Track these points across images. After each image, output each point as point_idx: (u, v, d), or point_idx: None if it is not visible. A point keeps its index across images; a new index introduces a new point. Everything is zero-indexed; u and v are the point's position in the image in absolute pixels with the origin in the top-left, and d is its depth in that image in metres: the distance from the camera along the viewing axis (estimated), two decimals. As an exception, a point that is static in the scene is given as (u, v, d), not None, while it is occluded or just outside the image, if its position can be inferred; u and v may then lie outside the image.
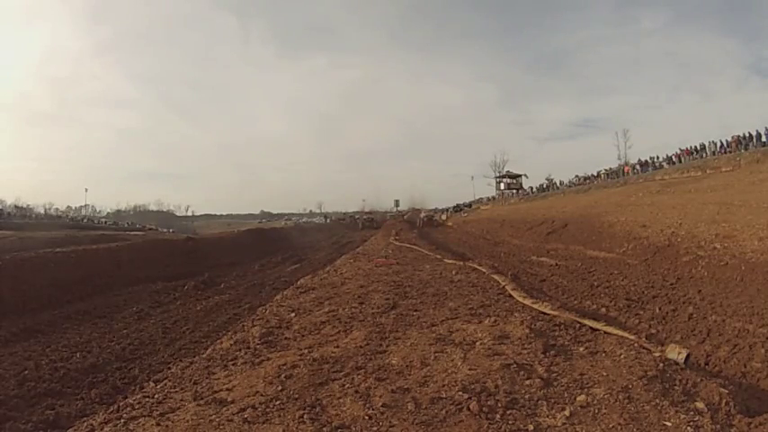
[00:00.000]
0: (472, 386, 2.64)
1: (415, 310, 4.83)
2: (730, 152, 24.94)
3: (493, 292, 6.07)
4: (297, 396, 2.69)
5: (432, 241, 21.72)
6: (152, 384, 3.47)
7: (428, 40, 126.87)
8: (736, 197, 12.07)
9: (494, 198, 53.46)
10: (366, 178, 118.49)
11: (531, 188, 48.81)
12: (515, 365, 2.93)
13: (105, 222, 56.73)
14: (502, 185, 53.66)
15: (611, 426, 2.22)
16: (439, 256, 12.04)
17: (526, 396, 2.53)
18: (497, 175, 54.87)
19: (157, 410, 2.67)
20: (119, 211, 76.10)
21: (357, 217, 61.33)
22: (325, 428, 2.28)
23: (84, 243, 16.72)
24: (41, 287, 9.04)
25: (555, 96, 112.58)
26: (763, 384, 4.08)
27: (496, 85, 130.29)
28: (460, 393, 2.56)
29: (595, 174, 39.13)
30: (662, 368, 2.85)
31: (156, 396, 2.95)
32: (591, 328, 3.93)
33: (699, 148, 28.69)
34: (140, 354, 5.81)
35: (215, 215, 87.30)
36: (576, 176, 41.93)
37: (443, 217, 51.09)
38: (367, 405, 2.50)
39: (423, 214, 45.75)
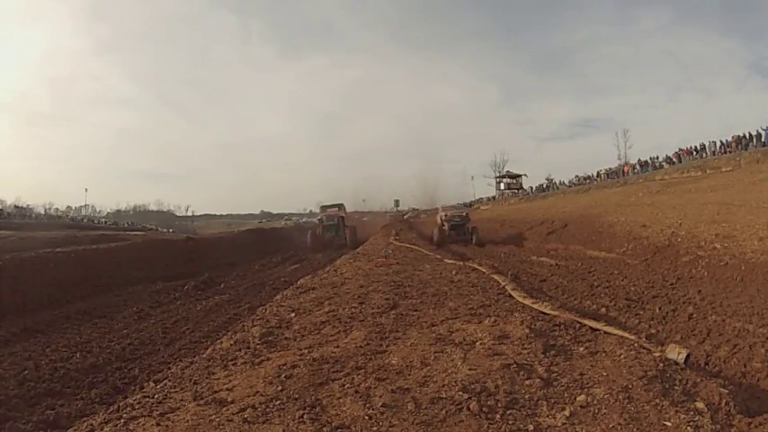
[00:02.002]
0: (472, 386, 2.64)
1: (415, 310, 4.83)
2: (730, 152, 24.96)
3: (493, 292, 6.06)
4: (297, 396, 2.69)
5: (431, 241, 21.70)
6: (152, 384, 3.47)
7: (428, 40, 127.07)
8: (736, 197, 12.08)
9: (494, 198, 53.48)
10: (366, 178, 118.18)
11: (531, 188, 48.85)
12: (515, 365, 2.92)
13: (105, 222, 56.74)
14: (502, 185, 53.70)
15: (611, 426, 2.22)
16: (439, 256, 12.04)
17: (526, 396, 2.53)
18: (497, 175, 54.91)
19: (157, 410, 2.67)
20: (119, 211, 76.10)
21: (305, 221, 33.69)
22: (325, 428, 2.28)
23: (84, 243, 16.72)
24: (41, 287, 9.04)
25: (555, 96, 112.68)
26: (763, 384, 4.08)
27: (497, 85, 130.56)
28: (460, 393, 2.56)
29: (595, 174, 39.16)
30: (662, 368, 2.85)
31: (156, 396, 2.95)
32: (591, 328, 3.93)
33: (699, 148, 28.74)
34: (140, 354, 5.81)
35: (215, 215, 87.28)
36: (576, 176, 41.98)
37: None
38: (367, 405, 2.50)
39: (440, 214, 21.43)
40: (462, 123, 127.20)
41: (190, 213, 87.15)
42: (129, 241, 18.88)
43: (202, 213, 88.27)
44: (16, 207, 51.76)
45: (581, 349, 3.32)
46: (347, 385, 2.81)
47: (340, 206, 24.14)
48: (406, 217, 55.05)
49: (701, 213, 11.43)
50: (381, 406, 2.47)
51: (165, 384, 3.23)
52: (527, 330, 3.70)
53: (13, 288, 8.48)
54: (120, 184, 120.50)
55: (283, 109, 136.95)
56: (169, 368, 4.45)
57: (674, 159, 29.97)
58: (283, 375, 3.03)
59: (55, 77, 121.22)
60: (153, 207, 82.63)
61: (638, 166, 33.55)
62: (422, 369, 3.01)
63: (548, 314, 4.54)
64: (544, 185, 46.79)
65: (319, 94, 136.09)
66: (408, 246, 15.76)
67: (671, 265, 9.16)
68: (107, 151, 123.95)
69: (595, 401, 2.44)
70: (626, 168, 35.40)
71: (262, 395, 2.73)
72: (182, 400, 2.83)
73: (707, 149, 27.98)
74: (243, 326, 5.21)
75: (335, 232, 20.57)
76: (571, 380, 2.74)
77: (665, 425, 2.22)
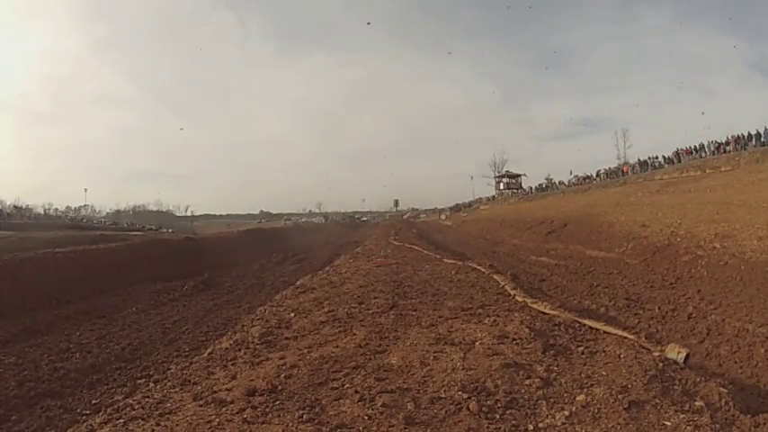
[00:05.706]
0: (472, 386, 2.64)
1: (415, 310, 4.83)
2: (730, 152, 24.95)
3: (492, 291, 6.06)
4: (297, 396, 2.69)
5: (431, 241, 21.72)
6: (152, 384, 3.47)
7: (429, 39, 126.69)
8: (736, 197, 12.08)
9: (493, 198, 53.49)
10: (366, 178, 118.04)
11: (531, 188, 48.84)
12: (515, 365, 2.93)
13: (104, 222, 56.62)
14: (501, 185, 53.74)
15: (610, 426, 2.22)
16: (438, 256, 12.03)
17: (526, 396, 2.53)
18: (497, 174, 54.89)
19: (157, 411, 2.67)
20: (118, 211, 75.85)
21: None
22: (324, 428, 2.28)
23: (83, 243, 16.70)
24: (41, 287, 9.04)
25: (555, 95, 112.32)
26: (763, 384, 4.09)
27: (497, 84, 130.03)
28: (460, 393, 2.56)
29: (595, 174, 39.16)
30: (662, 368, 2.85)
31: (155, 396, 2.95)
32: (590, 327, 3.93)
33: (698, 147, 28.73)
34: (140, 354, 5.81)
35: (215, 215, 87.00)
36: (576, 176, 41.95)
37: (442, 216, 43.93)
38: (367, 405, 2.50)
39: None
40: (462, 123, 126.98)
41: (189, 213, 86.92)
42: (128, 241, 18.85)
43: (202, 213, 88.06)
44: (16, 207, 51.68)
45: (581, 349, 3.32)
46: (347, 385, 2.81)
47: None
48: (405, 217, 55.04)
49: (701, 213, 11.43)
50: (381, 406, 2.46)
51: (165, 384, 3.23)
52: (527, 330, 3.70)
53: (12, 288, 8.47)
54: (120, 184, 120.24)
55: (283, 108, 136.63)
56: (169, 368, 4.45)
57: (674, 159, 29.99)
58: (283, 375, 3.03)
59: (54, 77, 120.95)
60: (152, 207, 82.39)
61: (637, 166, 33.56)
62: (421, 369, 3.01)
63: (547, 314, 4.55)
64: (544, 185, 46.77)
65: (319, 93, 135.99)
66: (408, 245, 15.76)
67: (670, 264, 9.16)
68: (107, 151, 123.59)
69: (595, 401, 2.44)
70: (625, 168, 35.41)
71: (261, 395, 2.73)
72: (181, 400, 2.82)
73: (706, 149, 27.98)
74: (243, 326, 5.21)
75: None
76: (571, 379, 2.74)
77: (664, 425, 2.22)
